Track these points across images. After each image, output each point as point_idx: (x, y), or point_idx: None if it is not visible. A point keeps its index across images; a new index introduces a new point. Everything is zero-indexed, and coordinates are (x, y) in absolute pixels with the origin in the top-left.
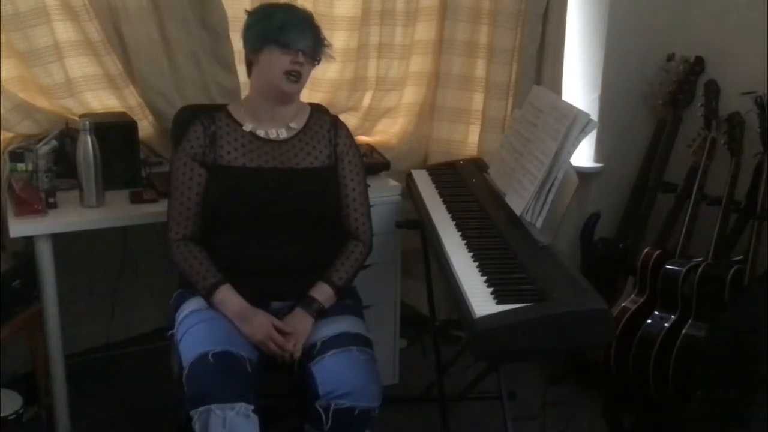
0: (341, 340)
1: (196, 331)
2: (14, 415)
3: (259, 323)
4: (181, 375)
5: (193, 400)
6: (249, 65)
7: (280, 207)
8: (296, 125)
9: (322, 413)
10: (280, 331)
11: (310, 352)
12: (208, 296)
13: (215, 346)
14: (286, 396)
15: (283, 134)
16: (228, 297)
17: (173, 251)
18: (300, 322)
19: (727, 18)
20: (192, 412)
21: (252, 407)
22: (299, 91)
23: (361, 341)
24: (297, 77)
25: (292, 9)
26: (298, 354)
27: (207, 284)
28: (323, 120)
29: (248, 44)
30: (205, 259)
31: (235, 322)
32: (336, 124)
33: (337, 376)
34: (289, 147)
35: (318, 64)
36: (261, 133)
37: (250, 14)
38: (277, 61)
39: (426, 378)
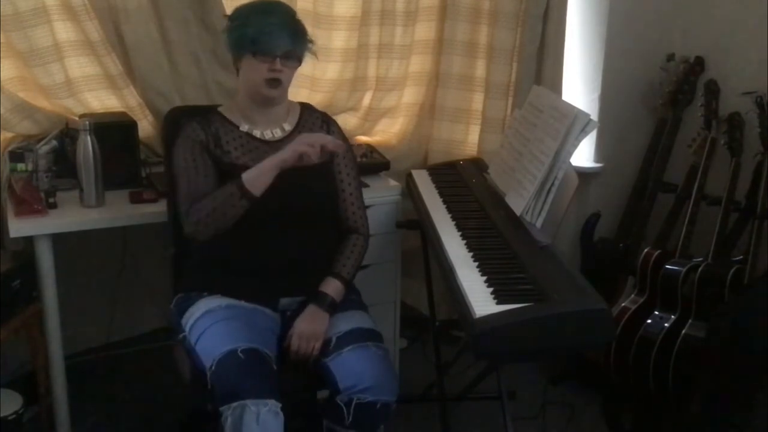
0: (355, 336)
1: (216, 330)
2: (14, 415)
3: (294, 143)
4: (196, 377)
5: (225, 395)
6: (237, 68)
7: (285, 206)
8: (289, 125)
9: (344, 408)
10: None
11: (326, 348)
12: (243, 193)
13: (241, 343)
14: (300, 392)
15: (278, 134)
16: (254, 172)
17: (190, 221)
18: (316, 322)
19: (727, 18)
20: (223, 408)
21: (280, 405)
22: (283, 94)
23: (375, 336)
24: (278, 83)
25: (269, 13)
26: (317, 352)
27: (234, 190)
28: (314, 118)
29: (230, 50)
30: (210, 193)
31: (278, 161)
32: (327, 121)
33: (358, 370)
34: (285, 147)
35: (300, 64)
36: (257, 134)
37: (230, 19)
38: (255, 68)
39: (426, 378)
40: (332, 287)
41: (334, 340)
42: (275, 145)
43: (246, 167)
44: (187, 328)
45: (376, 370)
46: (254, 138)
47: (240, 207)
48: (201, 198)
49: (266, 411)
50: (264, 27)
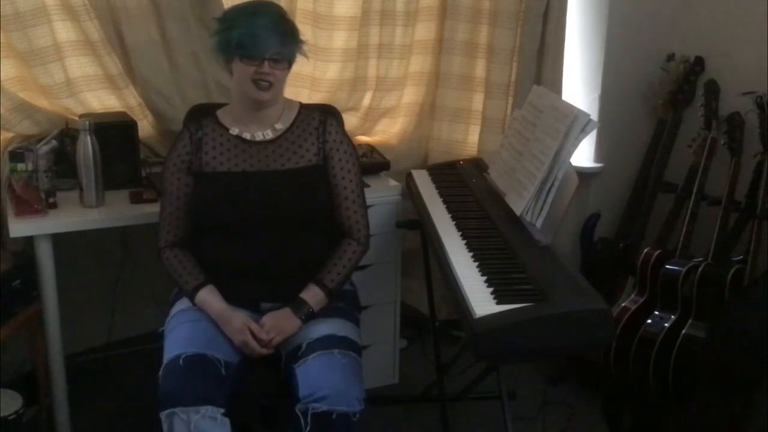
0: (325, 343)
1: (177, 333)
2: (14, 415)
3: (236, 328)
4: None
5: (161, 402)
6: (229, 71)
7: (265, 210)
8: (282, 125)
9: (301, 417)
10: (256, 334)
11: (296, 353)
12: (191, 299)
13: (189, 348)
14: (270, 398)
15: (269, 135)
16: (208, 300)
17: (162, 257)
18: (285, 319)
19: (727, 18)
20: (160, 415)
21: (221, 410)
22: (274, 97)
23: (346, 344)
24: (268, 85)
25: (256, 14)
26: (271, 347)
27: (189, 288)
28: (311, 117)
29: (219, 54)
30: (188, 262)
31: (218, 323)
32: (325, 121)
33: (317, 379)
34: (275, 148)
35: (291, 66)
36: (247, 136)
37: (219, 21)
38: (243, 71)
39: (426, 378)
40: (312, 295)
41: (304, 346)
42: (264, 146)
43: (227, 173)
44: (165, 325)
45: (336, 379)
46: (243, 140)
47: (184, 291)
48: (174, 227)
49: (198, 417)
50: (250, 29)
